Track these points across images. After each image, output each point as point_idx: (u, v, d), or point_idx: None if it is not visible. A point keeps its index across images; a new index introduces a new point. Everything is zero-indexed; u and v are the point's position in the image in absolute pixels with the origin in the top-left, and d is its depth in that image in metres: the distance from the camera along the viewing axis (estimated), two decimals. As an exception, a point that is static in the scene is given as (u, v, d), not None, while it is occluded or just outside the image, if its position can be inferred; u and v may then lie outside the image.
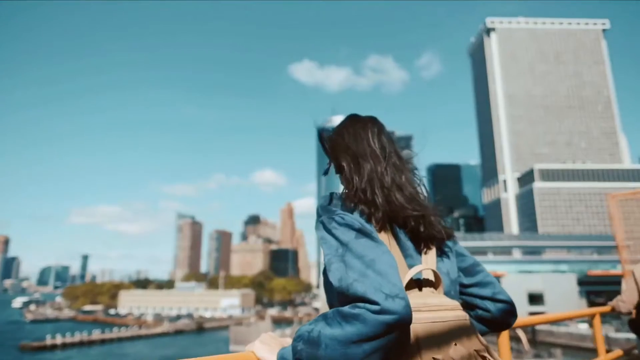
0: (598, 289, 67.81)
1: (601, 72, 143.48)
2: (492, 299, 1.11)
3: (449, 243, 1.11)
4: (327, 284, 0.99)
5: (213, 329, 77.97)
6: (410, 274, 0.95)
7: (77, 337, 55.93)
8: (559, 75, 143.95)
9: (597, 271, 69.11)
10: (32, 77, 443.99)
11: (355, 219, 0.94)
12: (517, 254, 77.08)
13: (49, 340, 52.83)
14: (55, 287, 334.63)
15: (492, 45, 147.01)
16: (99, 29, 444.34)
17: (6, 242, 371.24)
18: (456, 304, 0.98)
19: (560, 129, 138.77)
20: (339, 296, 0.85)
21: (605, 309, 2.88)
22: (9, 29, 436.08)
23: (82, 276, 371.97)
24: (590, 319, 2.89)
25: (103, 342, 59.00)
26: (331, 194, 1.05)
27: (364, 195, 1.01)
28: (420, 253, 1.04)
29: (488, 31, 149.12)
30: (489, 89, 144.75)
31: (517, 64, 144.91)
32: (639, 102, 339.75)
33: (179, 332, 72.56)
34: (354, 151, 1.10)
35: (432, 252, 1.05)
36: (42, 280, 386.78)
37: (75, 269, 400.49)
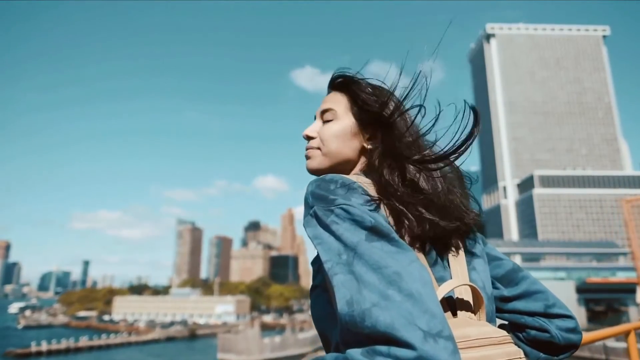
0: (597, 297, 66.63)
1: (602, 79, 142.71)
2: (547, 315, 0.82)
3: (478, 244, 0.82)
4: (320, 306, 0.70)
5: (206, 336, 76.93)
6: (442, 292, 0.65)
7: (64, 343, 54.91)
8: (559, 82, 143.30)
9: (596, 279, 67.88)
10: (36, 82, 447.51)
11: (366, 211, 0.62)
12: (516, 261, 75.88)
13: (33, 347, 51.82)
14: (56, 293, 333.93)
15: (492, 51, 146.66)
16: (102, 34, 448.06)
17: (7, 247, 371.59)
18: (504, 335, 0.67)
19: (560, 136, 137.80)
20: (344, 329, 0.54)
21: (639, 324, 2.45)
22: (14, 35, 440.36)
23: (83, 282, 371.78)
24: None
25: (91, 349, 57.90)
26: (332, 178, 0.70)
27: (394, 192, 0.69)
28: (444, 259, 0.73)
29: (488, 37, 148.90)
30: (489, 95, 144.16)
31: (517, 70, 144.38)
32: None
33: (170, 339, 71.56)
34: (400, 127, 0.80)
35: (461, 257, 0.76)
36: (42, 286, 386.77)
37: (76, 274, 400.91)
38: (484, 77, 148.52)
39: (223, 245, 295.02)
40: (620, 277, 67.90)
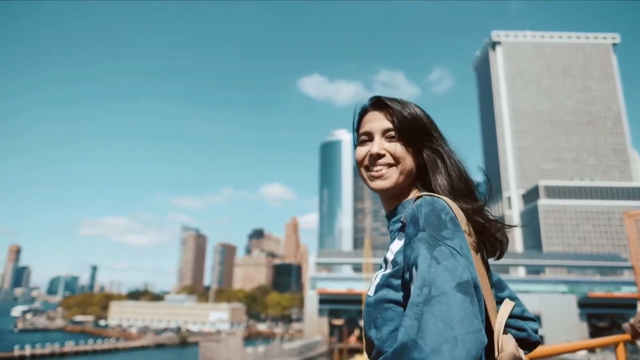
0: (600, 312, 64.08)
1: (611, 87, 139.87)
2: (522, 318, 0.96)
3: None
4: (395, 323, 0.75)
5: (196, 344, 75.80)
6: (503, 317, 0.77)
7: (48, 348, 54.23)
8: (566, 90, 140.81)
9: (599, 293, 65.33)
10: (46, 93, 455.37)
11: (468, 264, 0.68)
12: (519, 273, 73.89)
13: (17, 352, 51.25)
14: (64, 297, 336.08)
15: (498, 59, 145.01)
16: (111, 34, 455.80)
17: (18, 251, 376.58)
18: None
19: (567, 145, 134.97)
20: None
21: (627, 336, 2.41)
22: (29, 30, 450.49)
23: (91, 287, 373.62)
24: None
25: (77, 354, 57.18)
26: (443, 206, 0.76)
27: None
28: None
29: (493, 45, 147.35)
30: (494, 103, 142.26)
31: (522, 78, 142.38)
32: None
33: (160, 346, 70.56)
34: (444, 138, 0.93)
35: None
36: (51, 290, 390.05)
37: (84, 279, 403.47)
38: (489, 85, 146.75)
39: (227, 252, 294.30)
40: (625, 291, 65.27)
